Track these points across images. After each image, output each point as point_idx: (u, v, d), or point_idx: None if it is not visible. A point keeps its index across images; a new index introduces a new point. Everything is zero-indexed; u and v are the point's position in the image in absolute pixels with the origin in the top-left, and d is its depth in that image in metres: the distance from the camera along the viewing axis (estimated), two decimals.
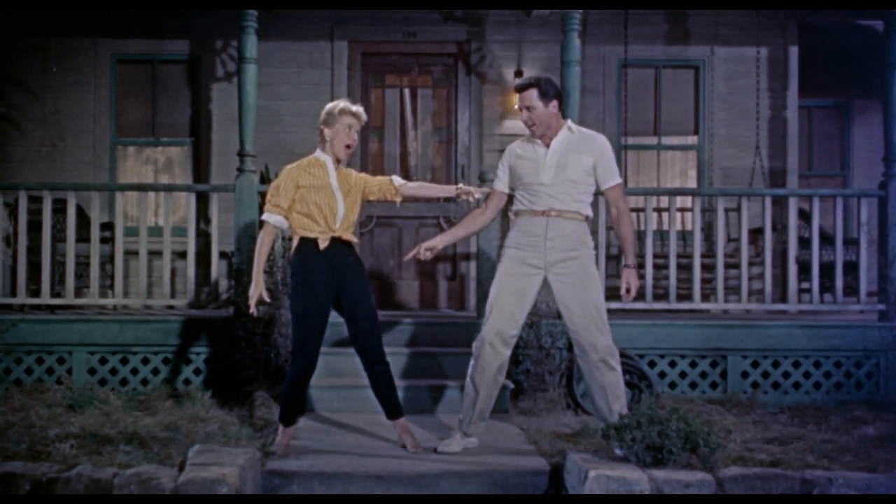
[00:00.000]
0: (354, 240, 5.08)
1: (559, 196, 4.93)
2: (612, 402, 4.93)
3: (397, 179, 5.16)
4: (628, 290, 5.06)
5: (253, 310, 4.99)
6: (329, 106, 5.05)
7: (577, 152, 4.96)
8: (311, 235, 4.95)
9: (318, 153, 5.08)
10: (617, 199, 5.06)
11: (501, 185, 5.14)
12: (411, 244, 8.74)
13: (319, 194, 4.93)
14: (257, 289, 4.93)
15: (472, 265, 8.43)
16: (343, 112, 4.97)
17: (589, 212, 5.06)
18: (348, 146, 5.00)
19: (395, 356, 6.18)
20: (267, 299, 4.96)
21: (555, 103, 4.97)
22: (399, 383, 5.15)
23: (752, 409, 6.45)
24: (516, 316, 4.98)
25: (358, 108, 5.02)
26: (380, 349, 5.05)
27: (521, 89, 5.00)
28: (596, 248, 7.22)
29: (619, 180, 5.06)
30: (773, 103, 8.95)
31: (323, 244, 4.94)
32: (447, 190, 5.23)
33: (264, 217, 4.99)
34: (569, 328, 5.01)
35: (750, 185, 8.65)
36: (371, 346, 5.02)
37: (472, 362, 5.06)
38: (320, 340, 5.00)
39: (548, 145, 4.99)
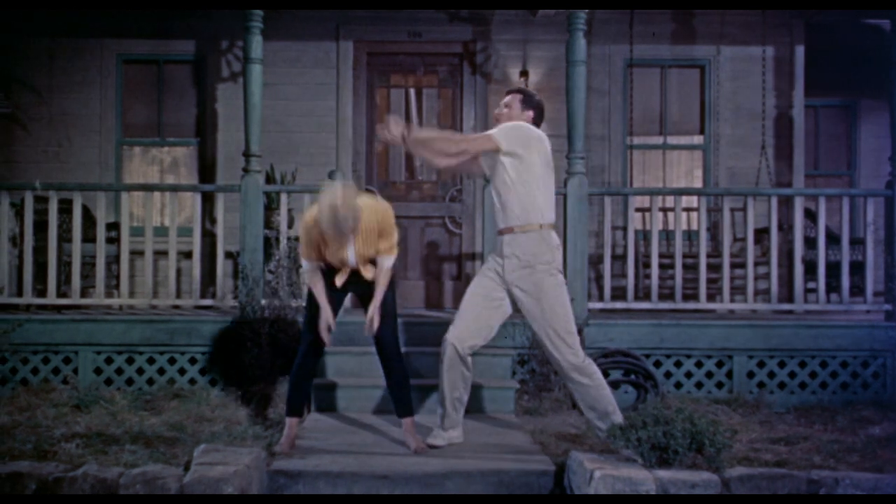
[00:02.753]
0: (371, 276, 5.04)
1: (513, 208, 5.06)
2: (587, 412, 5.10)
3: (386, 262, 5.02)
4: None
5: (326, 339, 5.02)
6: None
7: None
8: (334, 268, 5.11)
9: None
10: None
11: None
12: (417, 243, 8.78)
13: (332, 251, 4.95)
14: (325, 319, 4.99)
15: (478, 265, 8.42)
16: (326, 226, 4.74)
17: (545, 219, 5.08)
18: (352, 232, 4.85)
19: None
20: (333, 327, 5.03)
21: (530, 114, 5.25)
22: None
23: (757, 409, 6.45)
24: (481, 323, 5.13)
25: (324, 227, 4.72)
26: (395, 348, 5.12)
27: (508, 92, 5.40)
28: (601, 247, 7.30)
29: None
30: (779, 103, 8.93)
31: (339, 282, 5.08)
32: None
33: (303, 264, 5.06)
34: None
35: (756, 184, 8.63)
36: (386, 346, 5.10)
37: (441, 356, 5.17)
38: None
39: None
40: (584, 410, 5.11)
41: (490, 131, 5.10)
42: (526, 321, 5.19)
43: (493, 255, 5.23)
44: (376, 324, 4.99)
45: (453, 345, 5.11)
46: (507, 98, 5.32)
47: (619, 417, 4.95)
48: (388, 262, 5.03)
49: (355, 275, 5.06)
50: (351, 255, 4.96)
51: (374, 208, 4.93)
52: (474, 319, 5.13)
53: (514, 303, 5.16)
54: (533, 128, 5.16)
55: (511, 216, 5.04)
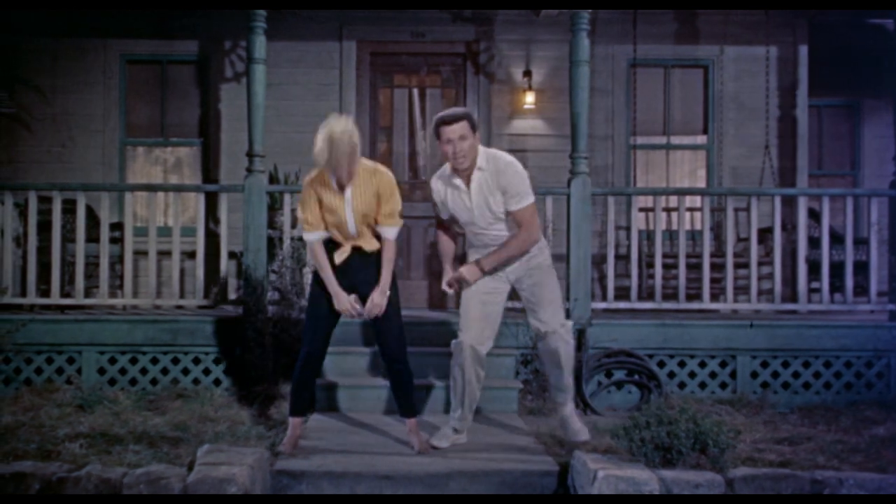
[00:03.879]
0: (375, 247, 4.99)
1: (495, 234, 5.14)
2: (558, 376, 5.36)
3: (388, 232, 4.98)
4: (453, 280, 5.18)
5: (357, 312, 4.97)
6: None
7: (490, 189, 5.05)
8: (334, 242, 5.04)
9: None
10: (520, 222, 5.05)
11: (443, 211, 5.30)
12: (420, 243, 8.78)
13: (330, 210, 4.92)
14: (342, 301, 4.94)
15: None
16: (328, 140, 4.73)
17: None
18: (344, 172, 4.80)
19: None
20: (357, 307, 4.94)
21: (478, 136, 5.08)
22: None
23: (761, 410, 6.44)
24: (490, 323, 5.18)
25: (338, 129, 4.71)
26: (399, 348, 5.05)
27: (458, 119, 4.98)
28: (605, 247, 7.29)
29: (527, 202, 5.04)
30: (782, 102, 8.92)
31: (339, 260, 4.99)
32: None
33: (304, 237, 5.03)
34: (532, 318, 5.29)
35: (759, 184, 8.63)
36: (389, 346, 5.05)
37: (452, 362, 5.19)
38: (328, 333, 5.07)
39: (468, 182, 5.07)
40: (557, 373, 5.32)
41: (525, 202, 5.02)
42: (529, 320, 5.25)
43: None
44: (379, 307, 4.91)
45: (472, 346, 5.10)
46: (458, 129, 4.94)
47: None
48: (390, 232, 4.97)
49: (357, 254, 4.97)
50: (349, 216, 4.88)
51: (370, 169, 4.93)
52: (484, 317, 5.15)
53: (512, 292, 5.28)
54: (503, 156, 5.12)
55: (498, 238, 5.14)
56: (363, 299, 5.02)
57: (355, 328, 6.57)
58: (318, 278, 5.05)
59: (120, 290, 7.58)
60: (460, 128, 4.95)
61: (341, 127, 4.72)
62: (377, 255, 5.00)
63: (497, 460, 4.84)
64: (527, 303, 5.30)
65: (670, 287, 7.68)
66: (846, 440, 5.47)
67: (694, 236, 8.43)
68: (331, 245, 5.03)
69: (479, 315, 5.14)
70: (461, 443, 5.22)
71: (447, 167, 5.15)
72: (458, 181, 5.08)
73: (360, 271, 4.99)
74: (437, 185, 5.22)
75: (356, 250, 4.98)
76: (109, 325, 6.87)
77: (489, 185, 5.02)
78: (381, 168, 5.00)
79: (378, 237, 5.01)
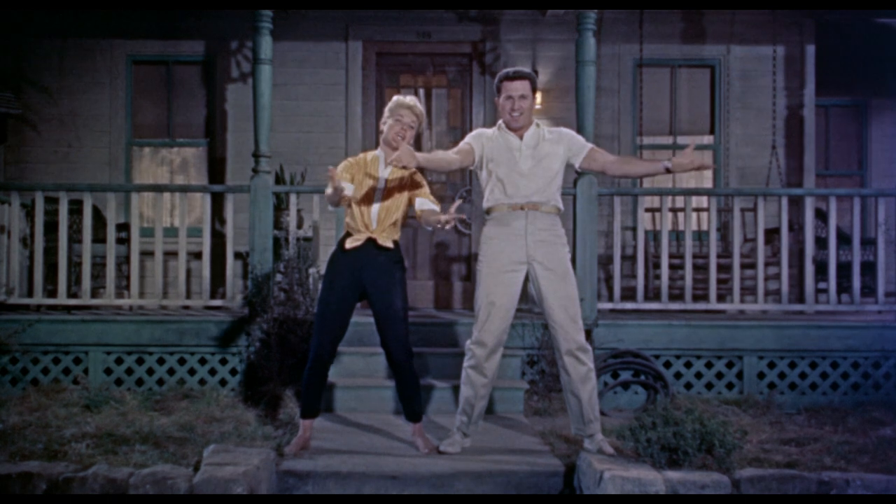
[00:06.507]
0: (389, 245, 4.98)
1: (536, 188, 4.98)
2: (581, 391, 4.93)
3: (430, 204, 5.02)
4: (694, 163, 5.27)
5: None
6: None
7: (550, 143, 5.05)
8: (349, 232, 5.03)
9: (377, 151, 5.15)
10: (604, 154, 5.11)
11: (477, 147, 5.08)
12: (426, 244, 8.78)
13: (361, 191, 4.97)
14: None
15: None
16: (396, 105, 5.02)
17: (562, 205, 5.11)
18: (399, 136, 4.95)
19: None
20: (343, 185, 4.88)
21: (535, 100, 5.12)
22: None
23: (768, 410, 6.42)
24: (510, 315, 5.00)
25: (409, 99, 5.05)
26: (402, 350, 4.99)
27: (522, 77, 5.04)
28: (611, 247, 7.29)
29: (592, 144, 5.14)
30: (789, 102, 8.90)
31: (349, 244, 4.97)
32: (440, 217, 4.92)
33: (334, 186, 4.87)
34: (547, 321, 5.00)
35: (766, 184, 8.61)
36: (393, 348, 4.99)
37: (468, 364, 5.05)
38: (337, 334, 5.00)
39: (521, 138, 5.05)
40: (581, 391, 4.91)
41: (590, 145, 5.13)
42: (535, 321, 5.17)
43: (501, 233, 5.00)
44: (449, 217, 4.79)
45: (493, 349, 4.97)
46: (520, 87, 5.00)
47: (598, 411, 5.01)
48: (431, 204, 4.98)
49: (371, 245, 4.94)
50: (376, 205, 4.94)
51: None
52: (504, 314, 4.95)
53: (524, 289, 5.07)
54: None
55: (533, 194, 4.96)
56: (371, 300, 5.00)
57: (362, 329, 6.57)
58: (327, 279, 5.03)
59: (126, 290, 7.60)
60: (523, 86, 5.01)
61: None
62: (388, 256, 5.00)
63: (503, 461, 4.84)
64: (538, 291, 4.99)
65: (677, 287, 7.67)
66: (853, 441, 5.45)
67: (700, 237, 8.41)
68: (344, 236, 5.04)
69: (501, 309, 4.92)
70: (467, 446, 5.19)
71: (499, 124, 5.13)
72: (510, 135, 5.05)
73: (370, 268, 4.96)
74: (485, 130, 5.18)
75: (370, 241, 4.97)
76: (116, 326, 6.89)
77: (546, 138, 5.04)
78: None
79: (394, 241, 5.03)
